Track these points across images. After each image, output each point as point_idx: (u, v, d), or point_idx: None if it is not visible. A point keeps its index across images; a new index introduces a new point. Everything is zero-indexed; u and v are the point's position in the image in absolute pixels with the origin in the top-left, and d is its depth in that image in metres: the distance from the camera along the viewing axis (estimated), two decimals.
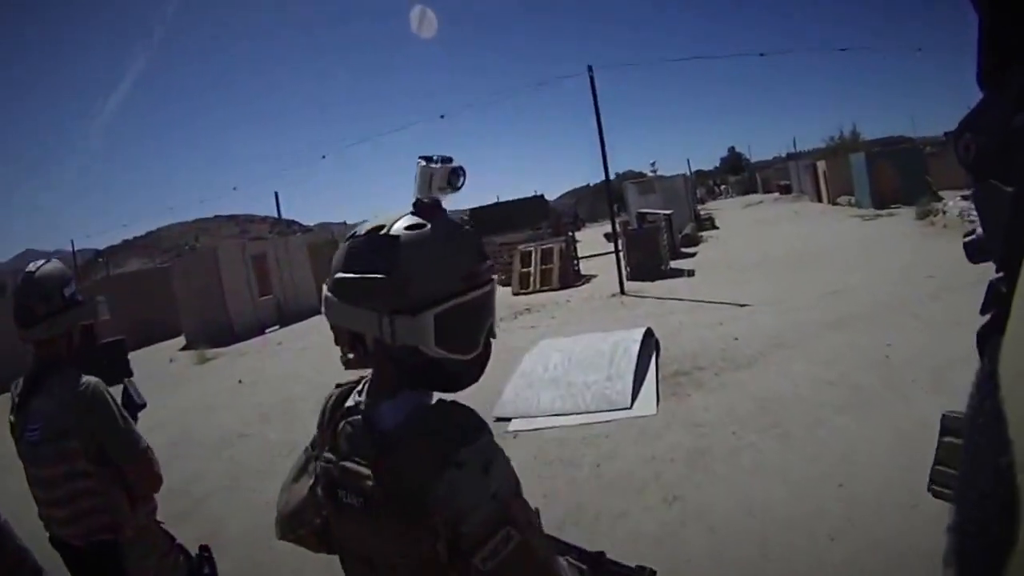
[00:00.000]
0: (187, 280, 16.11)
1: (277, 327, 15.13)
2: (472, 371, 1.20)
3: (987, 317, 0.50)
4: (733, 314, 9.36)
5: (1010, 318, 0.41)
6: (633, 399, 6.26)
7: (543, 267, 14.73)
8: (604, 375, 6.82)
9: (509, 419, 6.54)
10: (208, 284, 15.50)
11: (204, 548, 2.58)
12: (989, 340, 0.44)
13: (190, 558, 2.45)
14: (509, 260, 15.64)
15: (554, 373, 7.21)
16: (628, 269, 14.00)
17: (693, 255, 18.49)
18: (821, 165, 33.19)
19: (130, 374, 3.36)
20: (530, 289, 14.39)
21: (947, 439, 1.18)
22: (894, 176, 23.80)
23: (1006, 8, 0.48)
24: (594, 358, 7.30)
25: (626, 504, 4.44)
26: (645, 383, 6.59)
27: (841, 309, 8.63)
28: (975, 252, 0.86)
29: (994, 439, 0.37)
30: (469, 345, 1.15)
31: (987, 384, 0.41)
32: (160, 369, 12.25)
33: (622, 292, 12.35)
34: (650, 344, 7.62)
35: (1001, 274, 0.49)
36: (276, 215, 33.20)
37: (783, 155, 70.78)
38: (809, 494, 4.11)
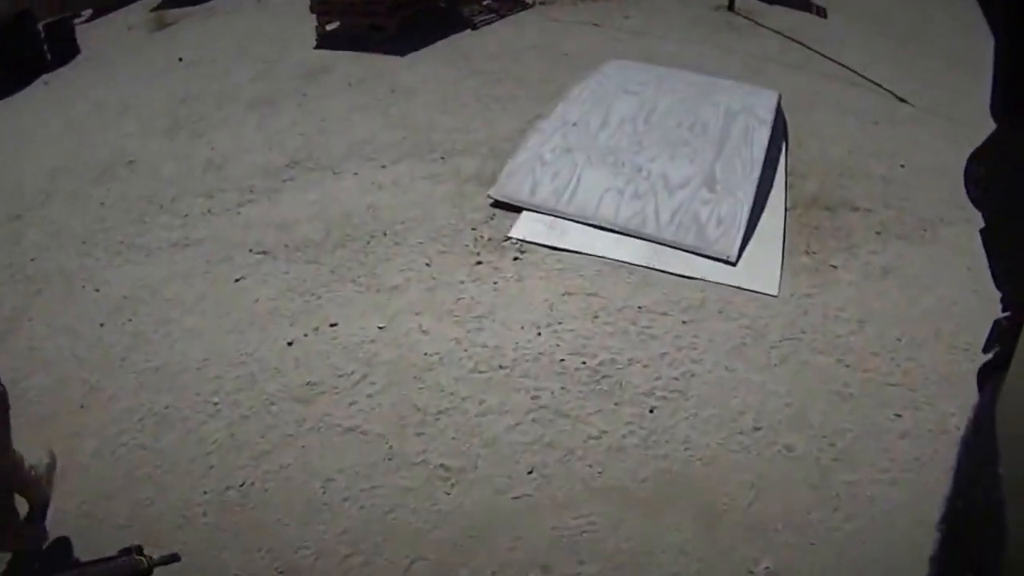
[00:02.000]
0: None
1: None
2: None
3: (989, 355, 0.52)
4: (889, 111, 5.92)
5: (1014, 358, 0.41)
6: (741, 248, 3.53)
7: None
8: (702, 175, 3.97)
9: (517, 210, 3.85)
10: None
11: None
12: (990, 377, 0.47)
13: None
14: None
15: (616, 139, 4.30)
16: None
17: None
18: None
19: (77, 52, 4.70)
20: None
21: None
22: None
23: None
24: (691, 131, 4.34)
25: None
26: (765, 216, 3.79)
27: None
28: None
29: (986, 474, 0.39)
30: None
31: (985, 420, 0.43)
32: (112, 42, 8.81)
33: (730, 7, 8.26)
34: (778, 130, 4.58)
35: (1007, 313, 0.52)
36: None
37: None
38: None
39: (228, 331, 3.13)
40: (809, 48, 7.25)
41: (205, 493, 2.47)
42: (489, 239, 3.63)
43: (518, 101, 5.20)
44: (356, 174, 4.31)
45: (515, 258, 3.49)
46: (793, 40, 7.53)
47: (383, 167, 4.36)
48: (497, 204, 3.88)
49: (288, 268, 3.50)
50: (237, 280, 3.45)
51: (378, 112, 5.11)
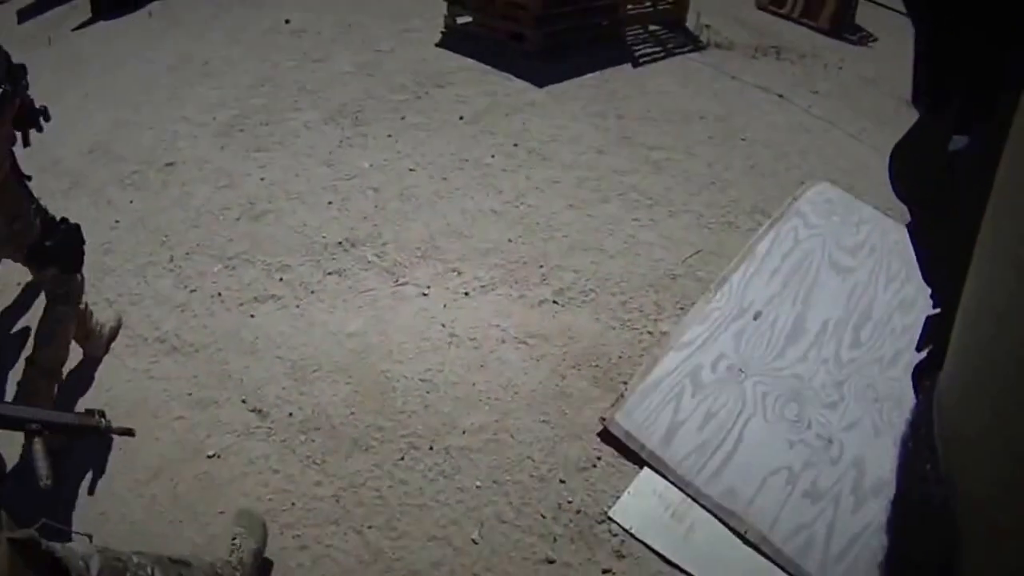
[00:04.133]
0: None
1: None
2: None
3: (924, 354, 0.50)
4: None
5: (948, 354, 0.38)
6: None
7: None
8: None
9: (635, 458, 2.55)
10: None
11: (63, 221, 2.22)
12: (926, 376, 0.44)
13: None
14: None
15: (810, 367, 2.92)
16: None
17: None
18: None
19: None
20: (785, 10, 7.94)
21: None
22: None
23: (944, 31, 0.46)
24: (904, 382, 2.92)
25: None
26: None
27: None
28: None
29: (931, 475, 0.37)
30: None
31: (924, 420, 0.40)
32: None
33: None
34: None
35: (938, 311, 0.50)
36: None
37: None
38: None
39: None
40: None
41: None
42: (578, 511, 2.37)
43: (678, 215, 3.80)
44: (425, 295, 3.06)
45: (605, 571, 2.23)
46: None
47: (466, 294, 3.09)
48: (607, 435, 2.60)
49: (280, 463, 2.33)
50: (210, 456, 2.31)
51: (486, 181, 3.79)
